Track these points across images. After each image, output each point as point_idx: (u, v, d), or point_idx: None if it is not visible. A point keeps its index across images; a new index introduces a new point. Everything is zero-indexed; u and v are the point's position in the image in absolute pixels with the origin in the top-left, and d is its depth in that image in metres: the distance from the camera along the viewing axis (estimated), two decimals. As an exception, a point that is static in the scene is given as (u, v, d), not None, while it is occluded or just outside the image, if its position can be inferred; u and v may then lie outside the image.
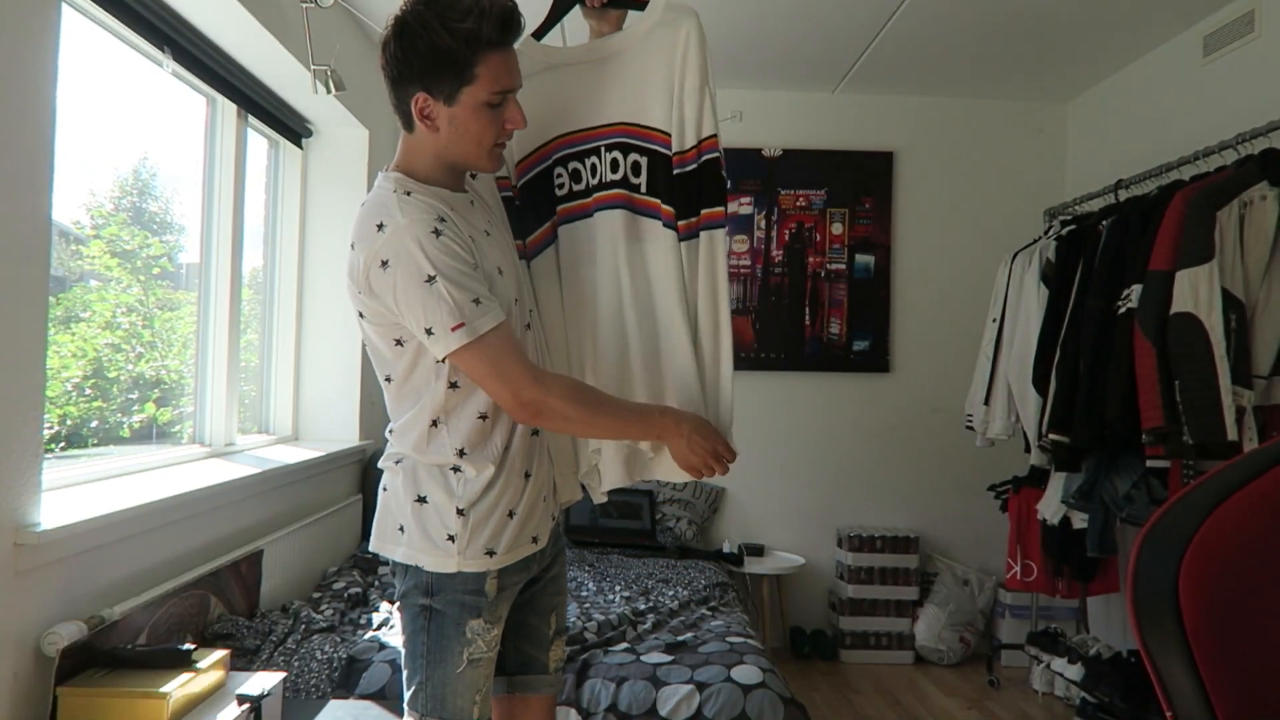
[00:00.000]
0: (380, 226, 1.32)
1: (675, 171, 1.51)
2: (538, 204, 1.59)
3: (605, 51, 1.56)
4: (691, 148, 1.51)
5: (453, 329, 1.28)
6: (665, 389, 1.56)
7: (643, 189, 1.54)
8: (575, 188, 1.58)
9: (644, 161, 1.54)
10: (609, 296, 1.55)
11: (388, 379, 1.43)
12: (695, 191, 1.51)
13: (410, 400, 1.41)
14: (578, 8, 1.62)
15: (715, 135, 1.50)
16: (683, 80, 1.50)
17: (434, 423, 1.39)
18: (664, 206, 1.53)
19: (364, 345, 1.48)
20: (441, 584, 1.41)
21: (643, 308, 1.54)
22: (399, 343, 1.37)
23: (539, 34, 1.60)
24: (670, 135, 1.52)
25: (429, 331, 1.30)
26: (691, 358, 1.52)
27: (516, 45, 1.45)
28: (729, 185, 1.65)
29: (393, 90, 1.38)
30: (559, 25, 1.65)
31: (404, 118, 1.40)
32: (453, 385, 1.38)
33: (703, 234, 1.52)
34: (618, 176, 1.55)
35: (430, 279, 1.28)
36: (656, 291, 1.54)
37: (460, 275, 1.29)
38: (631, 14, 1.58)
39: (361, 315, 1.39)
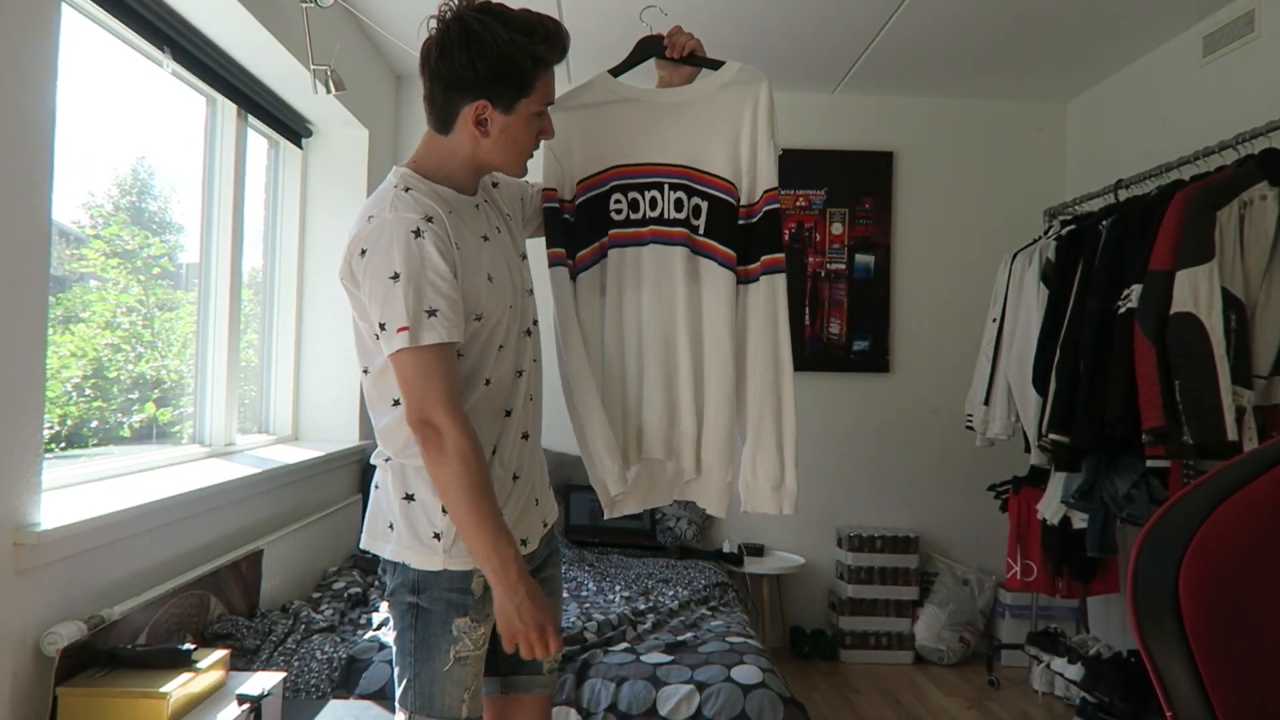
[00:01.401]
0: (370, 218, 1.35)
1: (740, 222, 1.64)
2: (592, 223, 1.66)
3: (675, 98, 1.66)
4: (757, 201, 1.63)
5: (398, 330, 1.29)
6: (706, 420, 1.69)
7: (701, 230, 1.65)
8: (633, 216, 1.67)
9: (704, 205, 1.65)
10: (662, 324, 1.65)
11: (365, 370, 1.45)
12: (757, 240, 1.64)
13: (386, 398, 1.42)
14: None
15: (775, 188, 1.63)
16: (754, 138, 1.62)
17: None
18: (721, 248, 1.64)
19: None
20: (428, 582, 1.42)
21: (694, 340, 1.66)
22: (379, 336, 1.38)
23: (616, 71, 1.68)
24: (730, 182, 1.64)
25: (382, 326, 1.31)
26: (731, 397, 1.66)
27: (591, 77, 1.62)
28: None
29: (443, 93, 1.39)
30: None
31: (442, 120, 1.41)
32: None
33: (763, 278, 1.64)
34: (681, 216, 1.65)
35: (394, 276, 1.29)
36: (707, 328, 1.66)
37: (424, 282, 1.30)
38: (704, 71, 1.67)
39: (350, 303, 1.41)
